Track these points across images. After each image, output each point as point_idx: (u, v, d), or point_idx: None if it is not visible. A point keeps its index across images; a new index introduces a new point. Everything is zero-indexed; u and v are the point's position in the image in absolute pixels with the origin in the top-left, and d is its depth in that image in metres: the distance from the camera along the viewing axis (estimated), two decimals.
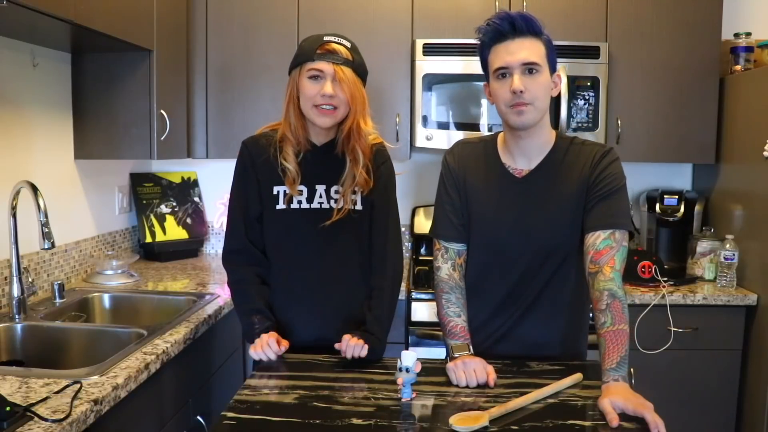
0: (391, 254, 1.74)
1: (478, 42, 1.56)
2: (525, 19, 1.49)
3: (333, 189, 1.71)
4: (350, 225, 1.71)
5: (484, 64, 1.57)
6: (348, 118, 1.66)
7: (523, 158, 1.59)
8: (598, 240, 1.49)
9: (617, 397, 1.27)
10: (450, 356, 1.54)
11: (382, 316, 1.68)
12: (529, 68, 1.48)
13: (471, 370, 1.44)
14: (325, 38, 1.64)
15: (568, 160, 1.57)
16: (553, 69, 1.52)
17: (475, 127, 2.68)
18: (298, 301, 1.73)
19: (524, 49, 1.47)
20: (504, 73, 1.50)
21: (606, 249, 1.47)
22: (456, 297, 1.61)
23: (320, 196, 1.71)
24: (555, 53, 1.53)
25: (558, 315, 1.62)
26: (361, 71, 1.68)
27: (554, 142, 1.59)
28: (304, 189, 1.71)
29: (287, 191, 1.70)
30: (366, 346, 1.54)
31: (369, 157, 1.71)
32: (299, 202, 1.70)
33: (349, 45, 1.67)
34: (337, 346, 1.56)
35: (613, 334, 1.38)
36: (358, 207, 1.72)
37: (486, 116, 2.68)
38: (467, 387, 1.41)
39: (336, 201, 1.70)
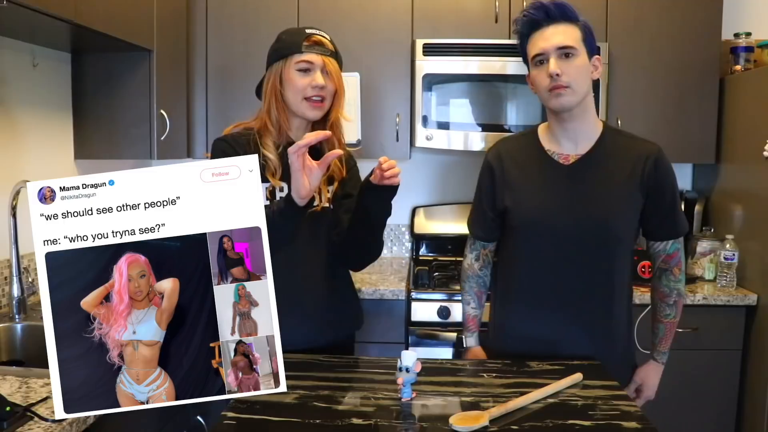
0: None
1: (516, 34, 1.62)
2: (558, 6, 1.54)
3: None
4: (319, 223, 1.66)
5: (524, 55, 1.62)
6: (333, 110, 1.66)
7: (570, 143, 1.62)
8: (668, 245, 1.66)
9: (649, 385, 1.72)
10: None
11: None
12: (565, 52, 1.53)
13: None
14: (308, 30, 1.63)
15: (618, 151, 1.61)
16: (591, 53, 1.56)
17: (475, 126, 2.69)
18: (285, 303, 1.66)
19: (559, 34, 1.53)
20: (541, 59, 1.55)
21: (675, 252, 1.67)
22: (470, 285, 1.81)
23: None
24: (593, 38, 1.57)
25: (606, 315, 1.64)
26: (341, 63, 1.68)
27: (603, 131, 1.63)
28: (285, 186, 1.65)
29: (268, 187, 1.63)
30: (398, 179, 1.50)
31: (343, 146, 1.68)
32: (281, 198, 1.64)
33: (329, 37, 1.66)
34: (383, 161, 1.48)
35: (672, 324, 1.70)
36: (330, 205, 1.68)
37: (486, 116, 2.69)
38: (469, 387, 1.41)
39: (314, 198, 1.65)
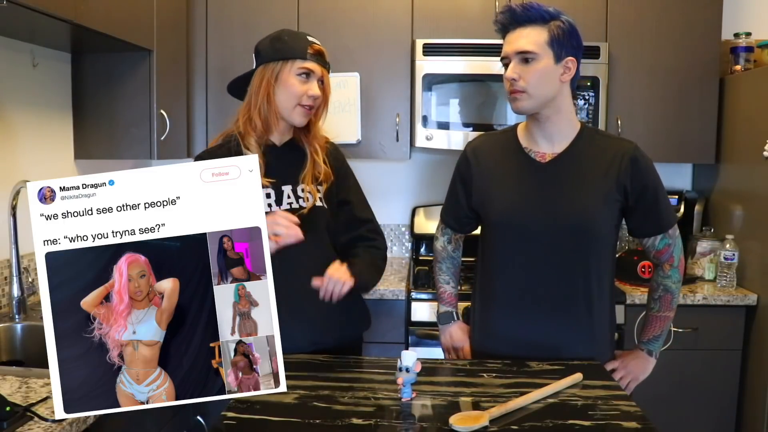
0: (381, 233, 1.79)
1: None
2: (525, 8, 1.53)
3: (299, 188, 1.68)
4: (317, 222, 1.67)
5: None
6: (317, 117, 1.71)
7: (546, 142, 1.62)
8: (656, 241, 1.64)
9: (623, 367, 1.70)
10: (437, 321, 1.84)
11: (370, 262, 1.71)
12: (524, 57, 1.52)
13: (447, 336, 1.81)
14: (310, 38, 1.67)
15: (595, 150, 1.61)
16: (561, 55, 1.52)
17: (475, 126, 2.69)
18: (287, 307, 1.59)
19: (521, 38, 1.53)
20: (506, 63, 1.57)
21: (665, 248, 1.64)
22: (447, 266, 1.85)
23: (288, 197, 1.66)
24: (570, 38, 1.53)
25: (585, 310, 1.62)
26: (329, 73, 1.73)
27: (580, 131, 1.62)
28: (272, 192, 1.65)
29: None
30: (349, 282, 1.56)
31: (325, 150, 1.72)
32: (269, 206, 1.64)
33: (324, 49, 1.70)
34: (316, 282, 1.55)
35: (656, 318, 1.69)
36: (323, 204, 1.70)
37: (486, 116, 2.69)
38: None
39: (304, 200, 1.67)
